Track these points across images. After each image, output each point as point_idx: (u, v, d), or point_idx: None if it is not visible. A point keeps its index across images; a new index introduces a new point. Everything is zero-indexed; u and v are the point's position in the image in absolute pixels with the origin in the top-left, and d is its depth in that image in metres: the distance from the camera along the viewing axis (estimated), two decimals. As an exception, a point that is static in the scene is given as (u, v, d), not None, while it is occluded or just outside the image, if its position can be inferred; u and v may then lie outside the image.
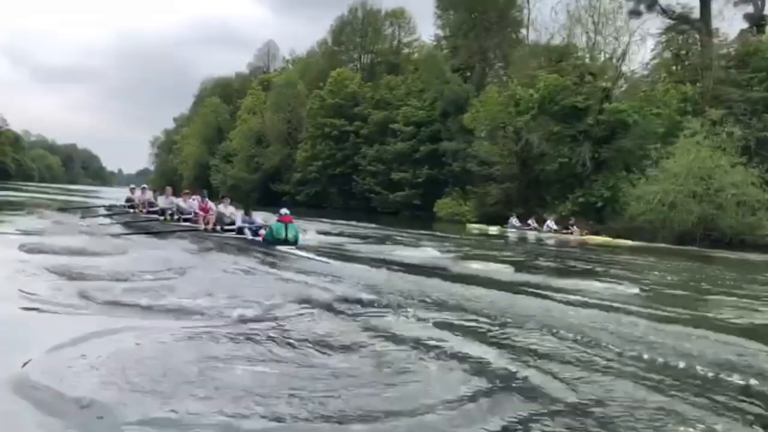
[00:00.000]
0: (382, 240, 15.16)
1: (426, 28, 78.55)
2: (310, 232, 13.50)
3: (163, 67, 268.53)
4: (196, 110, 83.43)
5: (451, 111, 37.80)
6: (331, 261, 9.00)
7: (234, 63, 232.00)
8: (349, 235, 15.98)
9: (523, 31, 43.89)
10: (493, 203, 32.47)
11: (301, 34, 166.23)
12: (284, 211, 10.31)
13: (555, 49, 34.70)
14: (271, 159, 55.14)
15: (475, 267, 9.32)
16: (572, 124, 29.91)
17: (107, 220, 14.65)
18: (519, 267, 9.65)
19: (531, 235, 24.69)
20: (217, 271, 7.67)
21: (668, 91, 28.75)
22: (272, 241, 9.89)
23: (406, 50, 54.85)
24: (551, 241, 22.19)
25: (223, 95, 76.00)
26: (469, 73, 41.52)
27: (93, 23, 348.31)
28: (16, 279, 6.12)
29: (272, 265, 8.58)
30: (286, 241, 9.83)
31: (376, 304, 5.74)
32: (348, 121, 47.31)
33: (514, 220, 26.40)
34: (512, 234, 24.93)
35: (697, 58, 35.68)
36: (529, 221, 26.08)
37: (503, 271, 9.05)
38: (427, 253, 11.37)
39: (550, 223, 25.44)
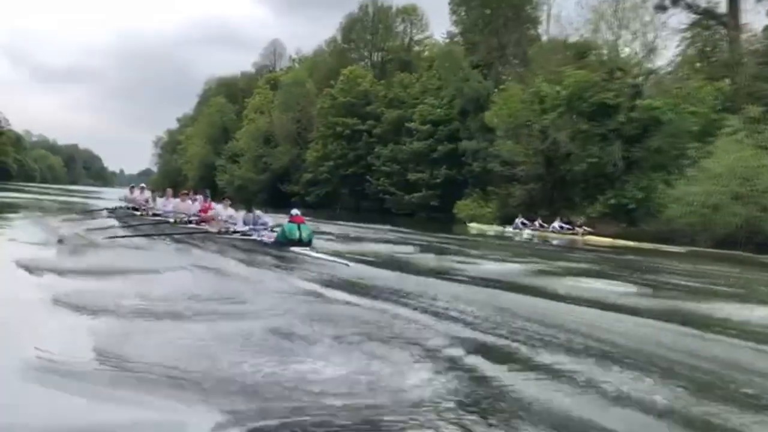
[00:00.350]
0: (429, 248, 13.71)
1: (437, 25, 77.19)
2: (364, 242, 12.15)
3: (163, 67, 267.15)
4: (200, 110, 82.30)
5: (471, 109, 36.55)
6: (403, 275, 7.80)
7: (234, 63, 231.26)
8: (384, 241, 14.67)
9: (541, 27, 42.98)
10: (516, 204, 31.18)
11: (302, 34, 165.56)
12: (295, 211, 9.95)
13: (580, 45, 33.54)
14: (279, 159, 53.93)
15: (579, 285, 7.90)
16: (602, 122, 28.67)
17: (113, 222, 13.67)
18: (632, 285, 8.20)
19: (537, 235, 24.73)
20: (279, 299, 6.11)
21: (703, 87, 27.47)
22: (285, 242, 9.48)
23: (417, 48, 53.69)
24: (556, 242, 22.11)
25: (228, 95, 74.83)
26: (486, 71, 40.20)
27: (93, 23, 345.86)
28: (22, 322, 4.65)
29: (328, 284, 7.26)
30: (300, 242, 9.41)
31: (515, 355, 4.26)
32: (360, 120, 46.08)
33: (519, 221, 26.46)
34: (519, 234, 25.06)
35: (725, 54, 34.58)
36: (535, 222, 26.18)
37: (619, 291, 7.58)
38: (498, 266, 10.07)
39: (556, 223, 25.48)
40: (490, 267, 9.74)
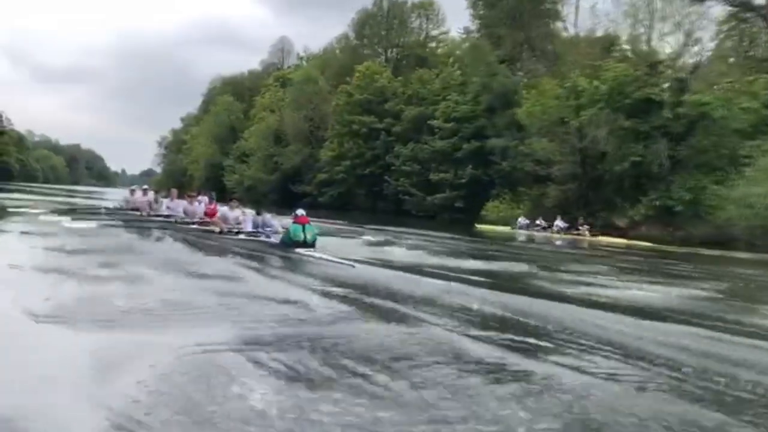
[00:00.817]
0: (503, 259, 11.95)
1: (452, 20, 75.19)
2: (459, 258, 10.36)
3: (163, 67, 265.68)
4: (205, 109, 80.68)
5: (498, 105, 34.79)
6: (541, 303, 6.12)
7: (234, 63, 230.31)
8: (450, 253, 12.84)
9: (562, 21, 41.32)
10: (551, 206, 29.44)
11: (302, 34, 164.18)
12: (300, 211, 9.63)
13: (614, 38, 31.89)
14: (291, 159, 52.20)
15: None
16: (644, 119, 26.95)
17: (114, 221, 12.79)
18: None
19: (541, 235, 24.36)
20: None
21: (755, 81, 25.78)
22: (290, 243, 9.36)
23: (433, 44, 52.00)
24: (559, 242, 21.82)
25: (235, 93, 73.22)
26: (511, 66, 38.50)
27: (93, 23, 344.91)
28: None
29: (404, 320, 5.62)
30: (304, 243, 9.29)
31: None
32: (378, 118, 44.31)
33: (522, 220, 26.56)
34: (523, 234, 24.93)
35: (764, 48, 32.97)
36: (538, 221, 25.79)
37: None
38: (626, 288, 8.23)
39: (559, 222, 24.95)
40: (627, 293, 7.74)
